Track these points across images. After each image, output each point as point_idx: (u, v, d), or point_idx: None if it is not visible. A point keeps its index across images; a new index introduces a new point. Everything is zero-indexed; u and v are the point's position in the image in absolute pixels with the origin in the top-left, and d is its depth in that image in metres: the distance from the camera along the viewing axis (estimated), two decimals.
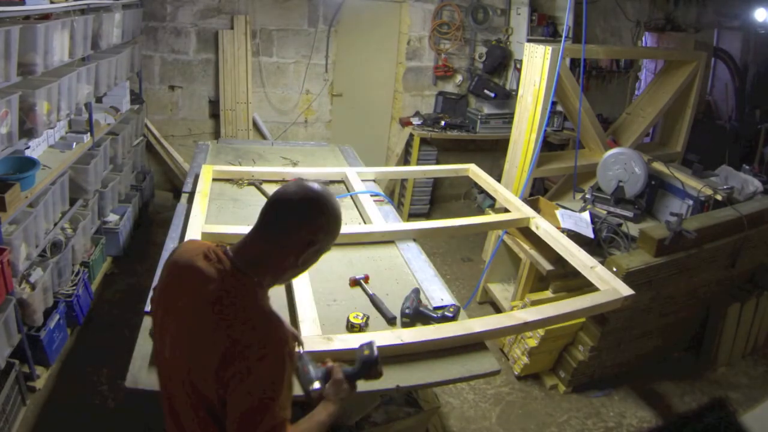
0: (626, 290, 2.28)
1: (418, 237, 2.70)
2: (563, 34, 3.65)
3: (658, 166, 3.63)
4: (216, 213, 2.76)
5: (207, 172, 3.07)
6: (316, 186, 1.30)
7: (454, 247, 4.88)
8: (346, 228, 2.67)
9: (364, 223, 2.80)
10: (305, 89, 5.38)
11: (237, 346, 1.17)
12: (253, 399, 1.16)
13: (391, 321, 2.00)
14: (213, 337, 1.19)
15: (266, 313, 1.24)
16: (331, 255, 2.40)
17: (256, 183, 3.14)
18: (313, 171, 3.34)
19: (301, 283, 2.11)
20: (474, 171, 3.48)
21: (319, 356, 1.64)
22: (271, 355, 1.19)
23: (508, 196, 3.19)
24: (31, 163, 2.76)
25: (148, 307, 1.96)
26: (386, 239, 2.62)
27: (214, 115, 5.21)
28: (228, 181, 3.16)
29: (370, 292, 2.14)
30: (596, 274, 2.43)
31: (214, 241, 2.35)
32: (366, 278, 2.22)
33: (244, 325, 1.20)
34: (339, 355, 1.78)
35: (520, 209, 3.04)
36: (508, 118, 4.86)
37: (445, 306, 2.11)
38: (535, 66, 3.56)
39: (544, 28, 5.20)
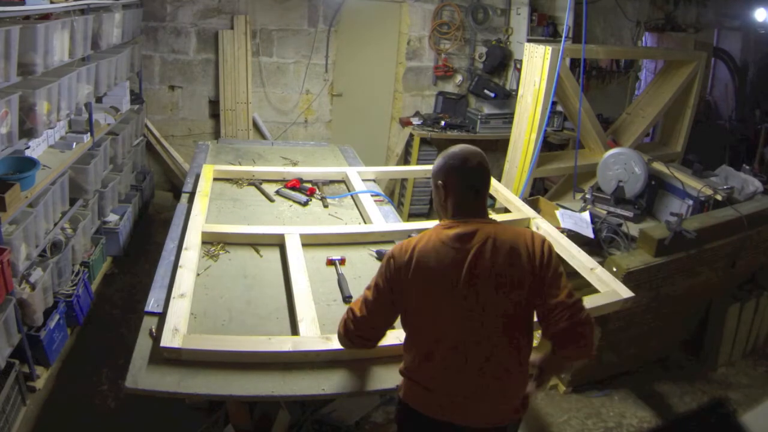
0: (626, 292, 2.27)
1: None
2: (563, 34, 3.65)
3: (658, 166, 3.63)
4: (216, 213, 2.76)
5: (208, 172, 3.08)
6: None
7: None
8: (345, 228, 2.69)
9: (365, 223, 2.80)
10: (305, 89, 5.38)
11: None
12: None
13: (347, 299, 2.10)
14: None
15: None
16: (331, 255, 2.43)
17: (256, 183, 3.14)
18: (313, 171, 3.34)
19: (301, 283, 2.11)
20: None
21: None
22: None
23: (509, 196, 3.20)
24: (31, 163, 2.76)
25: (148, 307, 1.97)
26: (386, 239, 2.63)
27: (214, 115, 5.21)
28: (228, 180, 3.17)
29: (340, 272, 2.28)
30: (596, 276, 2.43)
31: (214, 240, 2.36)
32: (342, 260, 2.36)
33: None
34: (336, 355, 1.79)
35: (521, 209, 3.05)
36: (508, 118, 4.86)
37: None
38: (535, 66, 3.56)
39: (544, 28, 5.20)
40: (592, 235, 3.12)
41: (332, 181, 3.28)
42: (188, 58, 5.03)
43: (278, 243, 2.46)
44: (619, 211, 3.48)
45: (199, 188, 2.89)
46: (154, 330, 1.82)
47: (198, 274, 2.16)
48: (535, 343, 1.67)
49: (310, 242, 2.47)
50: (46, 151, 3.18)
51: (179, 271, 2.10)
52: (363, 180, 3.23)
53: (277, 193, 3.05)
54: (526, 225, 2.99)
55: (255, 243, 2.46)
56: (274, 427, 2.09)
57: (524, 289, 1.54)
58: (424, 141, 5.28)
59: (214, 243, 2.42)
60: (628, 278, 2.79)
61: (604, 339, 3.01)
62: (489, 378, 1.56)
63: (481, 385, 1.56)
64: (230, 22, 4.97)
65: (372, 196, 3.03)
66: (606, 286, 2.35)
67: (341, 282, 2.19)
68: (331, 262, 2.34)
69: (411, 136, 5.33)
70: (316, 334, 1.85)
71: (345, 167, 3.48)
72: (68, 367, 3.05)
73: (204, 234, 2.42)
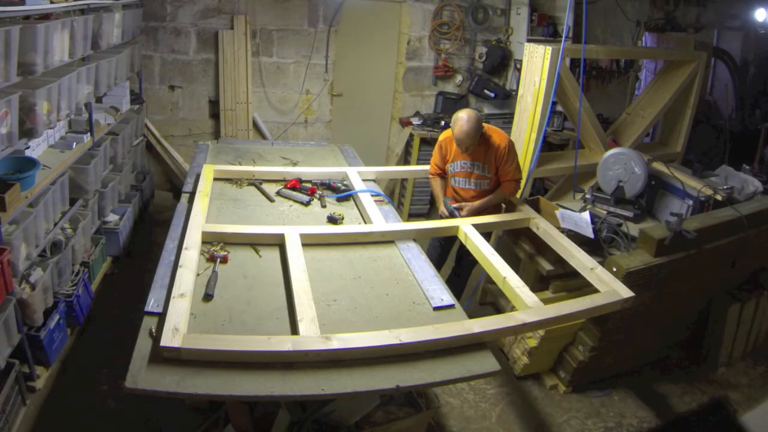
0: (626, 292, 2.28)
1: (418, 237, 2.71)
2: (563, 34, 3.65)
3: (658, 166, 3.63)
4: (216, 213, 2.76)
5: (208, 172, 3.08)
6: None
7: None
8: (345, 228, 2.69)
9: (365, 222, 2.80)
10: (305, 89, 5.38)
11: None
12: None
13: (207, 297, 2.03)
14: None
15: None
16: (331, 255, 2.43)
17: (256, 183, 3.14)
18: (313, 170, 3.35)
19: (301, 283, 2.11)
20: None
21: None
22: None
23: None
24: (31, 163, 2.76)
25: (148, 307, 1.97)
26: (386, 239, 2.63)
27: (214, 115, 5.21)
28: (228, 181, 3.17)
29: (216, 269, 2.17)
30: (596, 276, 2.44)
31: (214, 239, 2.34)
32: (225, 258, 2.31)
33: None
34: (336, 355, 1.80)
35: (521, 209, 3.05)
36: (508, 118, 4.86)
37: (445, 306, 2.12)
38: (535, 66, 3.56)
39: (544, 28, 5.20)
40: (592, 235, 3.12)
41: (333, 181, 3.28)
42: (188, 58, 5.03)
43: (278, 243, 2.46)
44: (619, 211, 3.48)
45: (199, 188, 2.89)
46: (154, 330, 1.82)
47: (198, 275, 2.16)
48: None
49: (310, 242, 2.47)
50: (46, 151, 3.18)
51: (179, 271, 2.10)
52: (363, 180, 3.24)
53: (278, 193, 3.05)
54: (526, 225, 2.99)
55: (255, 243, 2.47)
56: (274, 427, 2.09)
57: None
58: (424, 141, 5.27)
59: (214, 243, 2.42)
60: (628, 278, 2.78)
61: (604, 339, 3.01)
62: None
63: None
64: (230, 22, 4.97)
65: (372, 196, 3.03)
66: (606, 286, 2.35)
67: (211, 279, 2.15)
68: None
69: (411, 136, 5.33)
70: (316, 333, 1.85)
71: (345, 167, 3.48)
72: (68, 367, 3.05)
73: (204, 234, 2.42)
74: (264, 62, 5.20)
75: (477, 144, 3.05)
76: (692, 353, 3.59)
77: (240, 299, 2.07)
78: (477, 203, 3.16)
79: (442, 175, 3.35)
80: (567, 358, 3.17)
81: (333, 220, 2.77)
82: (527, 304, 2.19)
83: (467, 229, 2.74)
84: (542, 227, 2.89)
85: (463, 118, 2.98)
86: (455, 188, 3.31)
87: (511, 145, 3.14)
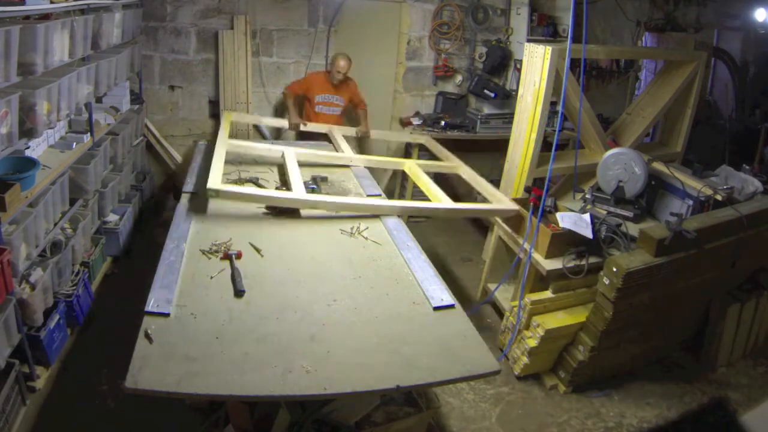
0: (512, 206, 3.28)
1: (374, 166, 3.62)
2: (568, 36, 3.70)
3: (658, 166, 3.63)
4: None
5: (227, 119, 4.25)
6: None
7: (455, 247, 4.88)
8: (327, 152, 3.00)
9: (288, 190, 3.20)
10: None
11: None
12: None
13: (239, 293, 2.11)
14: None
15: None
16: (331, 255, 2.43)
17: (254, 180, 3.16)
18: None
19: (295, 170, 3.07)
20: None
21: None
22: None
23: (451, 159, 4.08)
24: (31, 163, 2.76)
25: (148, 307, 1.97)
26: (354, 163, 3.63)
27: (214, 115, 5.21)
28: (227, 181, 3.18)
29: (235, 266, 2.28)
30: (496, 198, 3.36)
31: (233, 154, 3.53)
32: (239, 254, 2.38)
33: None
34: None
35: (451, 160, 4.04)
36: (508, 118, 4.86)
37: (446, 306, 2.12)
38: (535, 66, 3.56)
39: (544, 28, 5.20)
40: (591, 236, 3.12)
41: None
42: (188, 58, 5.03)
43: (279, 159, 3.44)
44: (619, 211, 3.48)
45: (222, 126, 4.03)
46: (150, 331, 1.82)
47: (211, 277, 2.18)
48: None
49: (302, 159, 3.43)
50: (46, 151, 3.18)
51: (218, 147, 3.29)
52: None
53: (278, 189, 3.06)
54: (456, 172, 3.93)
55: (262, 156, 3.60)
56: (274, 427, 2.09)
57: None
58: None
59: (217, 246, 2.42)
60: (628, 278, 2.79)
61: (604, 339, 3.01)
62: None
63: None
64: (230, 22, 4.97)
65: (369, 196, 3.07)
66: (500, 203, 3.28)
67: (234, 275, 2.21)
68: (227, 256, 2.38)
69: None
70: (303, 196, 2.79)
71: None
72: (68, 367, 3.05)
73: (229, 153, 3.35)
74: (264, 62, 5.20)
75: (341, 82, 4.68)
76: (692, 353, 3.60)
77: (240, 299, 2.07)
78: (366, 124, 4.89)
79: (296, 97, 4.82)
80: (567, 358, 3.17)
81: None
82: (440, 200, 3.21)
83: (412, 167, 3.67)
84: (468, 173, 3.75)
85: (342, 56, 4.65)
86: (318, 113, 4.78)
87: (355, 82, 4.89)
